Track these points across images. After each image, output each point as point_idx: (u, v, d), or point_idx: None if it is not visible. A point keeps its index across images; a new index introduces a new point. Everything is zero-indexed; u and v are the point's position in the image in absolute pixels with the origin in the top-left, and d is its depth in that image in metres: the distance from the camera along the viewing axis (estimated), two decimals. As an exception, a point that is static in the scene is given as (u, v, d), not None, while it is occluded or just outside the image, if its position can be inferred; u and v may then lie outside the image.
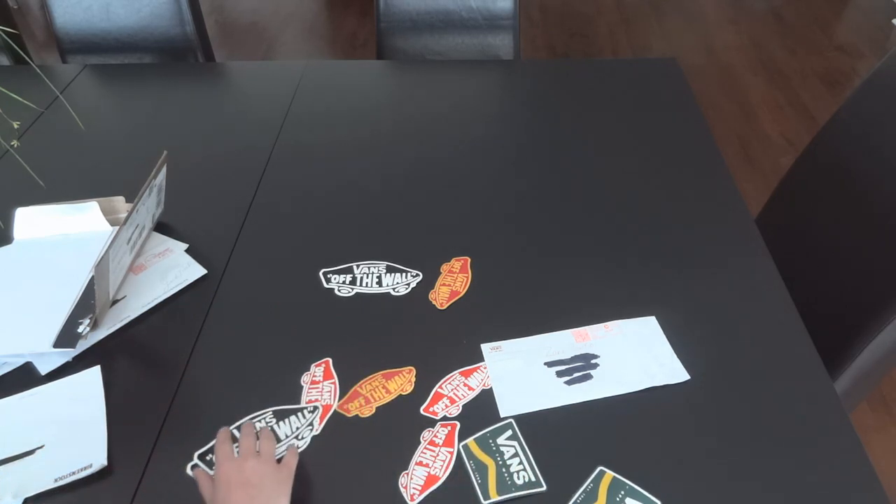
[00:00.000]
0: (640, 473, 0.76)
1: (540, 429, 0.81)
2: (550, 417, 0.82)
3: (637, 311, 0.94)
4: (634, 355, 0.88)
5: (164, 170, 1.06)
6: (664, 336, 0.91)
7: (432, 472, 0.76)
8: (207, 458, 0.77)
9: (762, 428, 0.80)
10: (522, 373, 0.87)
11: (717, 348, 0.89)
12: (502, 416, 0.82)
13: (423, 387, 0.86)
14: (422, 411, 0.83)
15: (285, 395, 0.86)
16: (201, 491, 0.72)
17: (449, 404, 0.83)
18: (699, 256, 1.03)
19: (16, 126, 0.99)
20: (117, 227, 0.95)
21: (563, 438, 0.80)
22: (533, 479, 0.75)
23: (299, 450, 0.78)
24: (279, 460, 0.75)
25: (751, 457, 0.77)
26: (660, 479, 0.75)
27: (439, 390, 0.85)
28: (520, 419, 0.82)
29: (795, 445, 0.78)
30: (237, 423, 0.82)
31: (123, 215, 1.08)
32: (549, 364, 0.88)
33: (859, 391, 1.04)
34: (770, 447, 0.78)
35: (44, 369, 0.89)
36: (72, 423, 0.83)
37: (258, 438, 0.77)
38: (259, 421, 0.82)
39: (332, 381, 0.86)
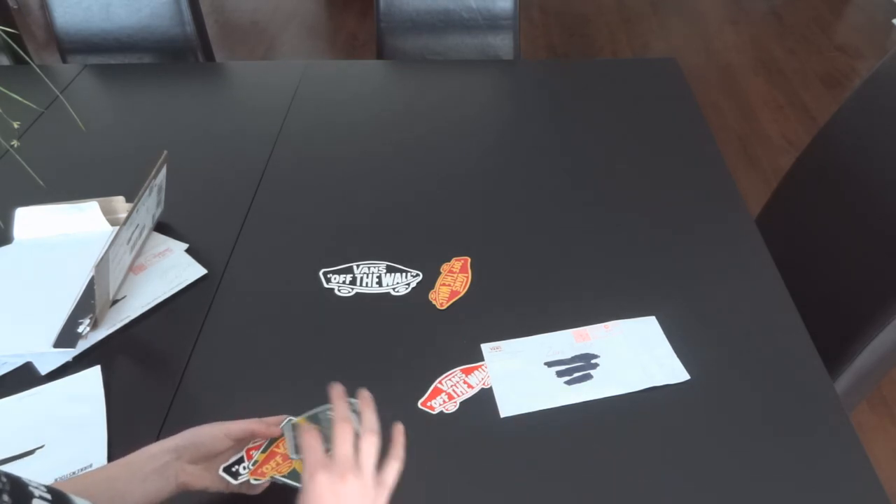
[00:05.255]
0: (641, 473, 0.76)
1: (540, 429, 0.81)
2: (550, 417, 0.82)
3: (637, 311, 0.94)
4: (634, 355, 0.88)
5: (164, 170, 1.06)
6: (664, 336, 0.91)
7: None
8: (233, 469, 0.68)
9: (762, 428, 0.80)
10: (522, 373, 0.87)
11: (717, 348, 0.89)
12: (502, 416, 0.82)
13: (422, 382, 0.86)
14: (419, 405, 0.83)
15: (285, 395, 0.86)
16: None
17: (447, 400, 0.84)
18: (699, 256, 1.03)
19: (16, 126, 0.98)
20: (117, 227, 0.95)
21: (563, 438, 0.80)
22: None
23: None
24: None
25: (751, 457, 0.77)
26: (660, 479, 0.75)
27: (439, 385, 0.85)
28: (520, 419, 0.82)
29: (795, 445, 0.78)
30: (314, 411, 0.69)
31: (123, 215, 1.08)
32: (549, 364, 0.88)
33: (859, 391, 1.04)
34: (770, 447, 0.78)
35: (44, 369, 0.89)
36: (72, 423, 0.83)
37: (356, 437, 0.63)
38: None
39: None
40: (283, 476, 0.66)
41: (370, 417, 0.64)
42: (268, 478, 0.66)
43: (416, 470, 0.77)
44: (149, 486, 0.64)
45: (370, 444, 0.62)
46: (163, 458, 0.66)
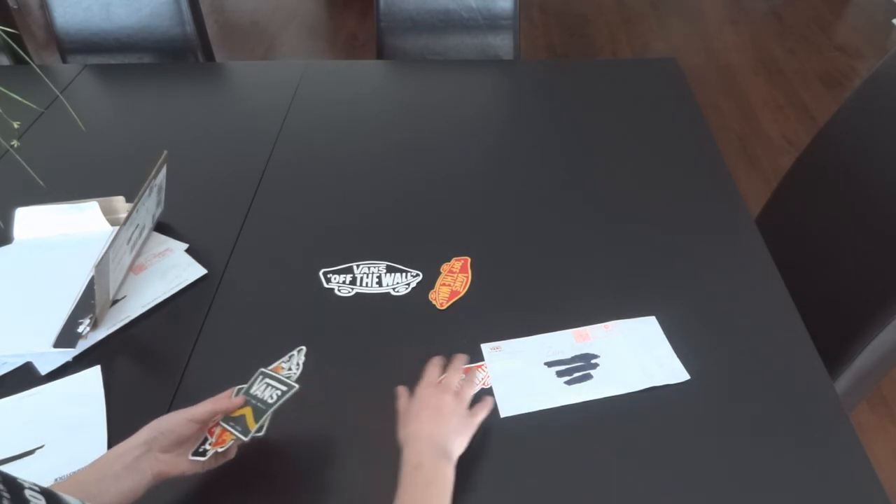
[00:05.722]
0: (641, 473, 0.76)
1: (540, 429, 0.81)
2: (550, 417, 0.82)
3: (637, 311, 0.94)
4: (634, 355, 0.88)
5: (164, 170, 1.06)
6: (664, 336, 0.91)
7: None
8: (200, 450, 0.73)
9: (762, 428, 0.80)
10: (522, 373, 0.87)
11: (717, 348, 0.89)
12: (502, 416, 0.82)
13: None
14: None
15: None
16: (398, 403, 0.79)
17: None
18: (699, 256, 1.03)
19: (16, 126, 0.98)
20: (117, 227, 0.95)
21: (564, 438, 0.80)
22: None
23: None
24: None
25: (751, 457, 0.77)
26: (660, 479, 0.75)
27: (439, 388, 0.85)
28: (520, 419, 0.82)
29: (795, 445, 0.78)
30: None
31: (123, 215, 1.08)
32: (549, 364, 0.88)
33: (859, 391, 1.04)
34: (770, 447, 0.78)
35: (44, 369, 0.89)
36: (72, 423, 0.83)
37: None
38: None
39: None
40: (239, 432, 0.71)
41: (471, 378, 0.83)
42: (229, 442, 0.71)
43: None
44: (122, 485, 0.65)
45: (470, 388, 0.80)
46: (133, 453, 0.67)
